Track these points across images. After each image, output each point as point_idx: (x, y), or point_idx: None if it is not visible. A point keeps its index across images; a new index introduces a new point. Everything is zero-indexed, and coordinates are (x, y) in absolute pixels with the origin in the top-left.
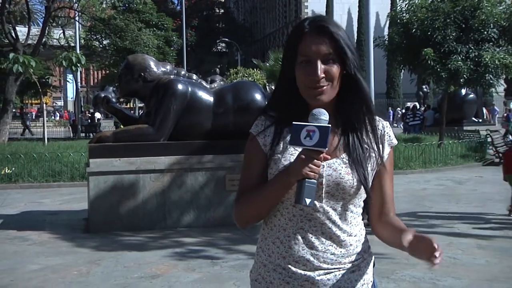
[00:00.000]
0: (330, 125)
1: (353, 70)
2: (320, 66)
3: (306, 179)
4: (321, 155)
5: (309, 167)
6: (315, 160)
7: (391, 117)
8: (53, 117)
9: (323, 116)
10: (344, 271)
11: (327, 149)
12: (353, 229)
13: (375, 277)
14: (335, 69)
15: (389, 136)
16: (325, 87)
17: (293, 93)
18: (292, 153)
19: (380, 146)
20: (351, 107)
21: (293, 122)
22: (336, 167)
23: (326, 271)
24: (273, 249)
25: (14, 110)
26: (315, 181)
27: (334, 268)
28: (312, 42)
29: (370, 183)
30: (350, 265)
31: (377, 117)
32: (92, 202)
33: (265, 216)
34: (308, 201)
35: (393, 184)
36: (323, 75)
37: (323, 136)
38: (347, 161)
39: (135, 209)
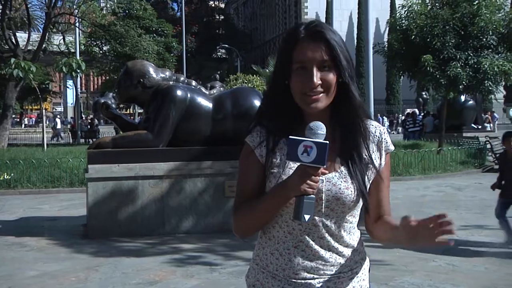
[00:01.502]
0: (328, 142)
1: (347, 79)
2: (317, 73)
3: (305, 196)
4: (319, 171)
5: (307, 184)
6: (313, 177)
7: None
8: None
9: (320, 130)
10: (344, 278)
11: (325, 166)
12: (352, 240)
13: (373, 284)
14: (331, 77)
15: (386, 142)
16: (320, 95)
17: (286, 101)
18: (291, 167)
19: (378, 153)
20: (346, 117)
21: (290, 136)
22: (335, 182)
23: (326, 278)
24: (271, 260)
25: (14, 116)
26: (314, 196)
27: (334, 276)
28: (308, 48)
29: (367, 193)
30: (349, 272)
31: (374, 123)
32: (91, 208)
33: (264, 226)
34: (307, 217)
35: (389, 188)
36: (319, 82)
37: (321, 153)
38: (346, 175)
39: (133, 215)
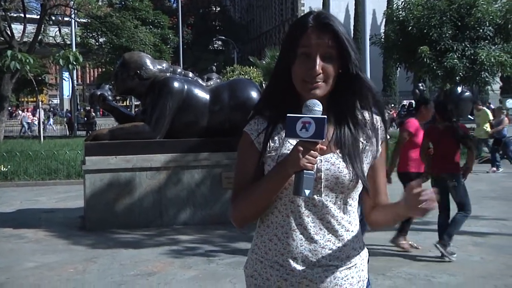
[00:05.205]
0: (325, 116)
1: (355, 70)
2: (319, 62)
3: (304, 171)
4: (318, 146)
5: (306, 159)
6: (312, 152)
7: None
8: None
9: (317, 107)
10: (342, 267)
11: (324, 140)
12: (351, 224)
13: (371, 274)
14: (332, 67)
15: (383, 131)
16: (320, 83)
17: (286, 87)
18: (289, 149)
19: (375, 139)
20: (345, 105)
21: (288, 115)
22: (334, 161)
23: (324, 268)
24: (270, 246)
25: (9, 108)
26: (313, 172)
27: (332, 265)
28: (315, 36)
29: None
30: (347, 261)
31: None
32: (88, 200)
33: (262, 212)
34: (307, 192)
35: (385, 176)
36: (320, 71)
37: (319, 127)
38: (344, 155)
39: (131, 206)
